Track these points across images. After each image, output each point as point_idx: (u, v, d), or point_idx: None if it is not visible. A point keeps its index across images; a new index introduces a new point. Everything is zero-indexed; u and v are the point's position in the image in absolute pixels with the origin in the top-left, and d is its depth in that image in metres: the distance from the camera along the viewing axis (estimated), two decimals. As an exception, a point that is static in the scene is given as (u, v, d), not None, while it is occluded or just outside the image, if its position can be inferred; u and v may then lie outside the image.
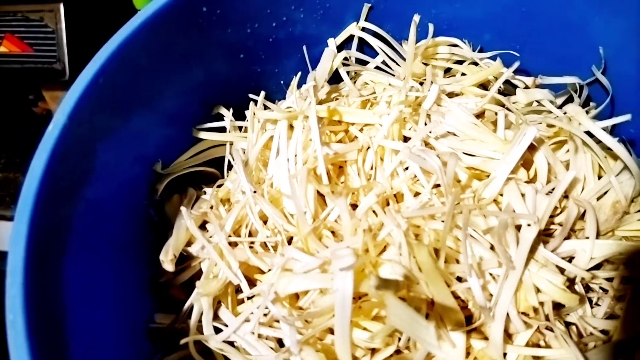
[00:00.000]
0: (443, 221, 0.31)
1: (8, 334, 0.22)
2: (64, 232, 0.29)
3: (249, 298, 0.34)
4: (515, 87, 0.41)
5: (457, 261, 0.31)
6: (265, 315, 0.33)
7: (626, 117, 0.34)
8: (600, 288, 0.34)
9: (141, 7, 0.58)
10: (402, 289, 0.29)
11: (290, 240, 0.35)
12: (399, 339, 0.30)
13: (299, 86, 0.42)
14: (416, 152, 0.33)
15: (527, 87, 0.40)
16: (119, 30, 0.31)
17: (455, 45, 0.44)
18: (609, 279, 0.34)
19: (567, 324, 0.33)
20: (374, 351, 0.31)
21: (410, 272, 0.29)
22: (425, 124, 0.37)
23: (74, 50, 0.55)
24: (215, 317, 0.34)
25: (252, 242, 0.35)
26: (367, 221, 0.33)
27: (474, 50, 0.43)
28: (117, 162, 0.33)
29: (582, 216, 0.34)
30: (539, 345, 0.31)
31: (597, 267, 0.35)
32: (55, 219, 0.28)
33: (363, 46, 0.46)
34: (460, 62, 0.44)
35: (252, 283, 0.35)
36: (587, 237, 0.33)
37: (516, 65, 0.38)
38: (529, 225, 0.29)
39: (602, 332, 0.33)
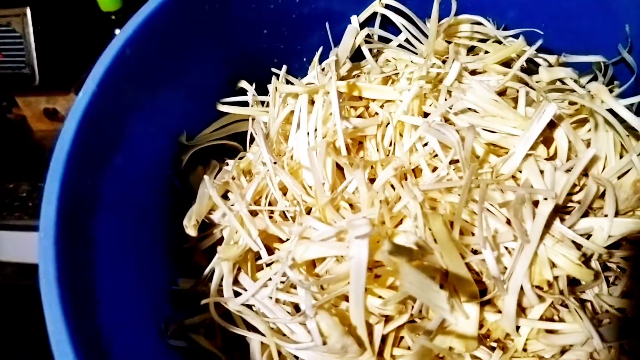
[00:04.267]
0: (460, 195, 0.31)
1: (40, 283, 0.24)
2: (92, 195, 0.30)
3: (267, 265, 0.35)
4: (538, 65, 0.41)
5: (473, 234, 0.32)
6: (282, 282, 0.34)
7: (651, 95, 0.34)
8: (618, 267, 0.34)
9: (107, 9, 0.58)
10: (416, 258, 0.29)
11: (308, 212, 0.36)
12: (412, 308, 0.31)
13: (321, 62, 0.43)
14: (435, 126, 0.33)
15: (550, 66, 0.40)
16: (146, 3, 0.32)
17: (479, 24, 0.44)
18: (627, 258, 0.34)
19: (583, 302, 0.33)
20: (387, 319, 0.32)
21: (424, 242, 0.29)
22: (446, 100, 0.37)
23: (42, 55, 0.54)
24: (235, 282, 0.35)
25: (272, 212, 0.35)
26: (384, 193, 0.34)
27: (497, 29, 0.43)
28: (144, 131, 0.35)
29: (601, 195, 0.34)
30: (552, 320, 0.31)
31: (616, 246, 0.35)
32: (84, 182, 0.29)
33: (386, 24, 0.46)
34: (483, 41, 0.44)
35: (270, 251, 0.36)
36: (606, 215, 0.33)
37: (539, 43, 0.38)
38: (545, 199, 0.30)
39: (618, 310, 0.33)
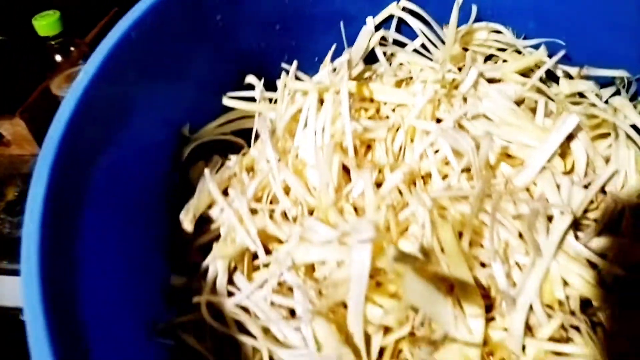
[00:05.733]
0: (471, 204, 0.29)
1: (21, 280, 0.22)
2: (84, 183, 0.29)
3: (264, 266, 0.34)
4: (557, 78, 0.40)
5: (482, 246, 0.30)
6: (280, 285, 0.32)
7: (676, 112, 0.32)
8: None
9: (45, 34, 0.57)
10: (420, 267, 0.28)
11: (311, 213, 0.34)
12: (414, 319, 0.29)
13: (333, 62, 0.42)
14: (449, 131, 0.31)
15: (571, 78, 0.38)
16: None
17: (498, 32, 0.42)
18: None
19: (594, 325, 0.32)
20: (386, 330, 0.31)
21: (431, 250, 0.28)
22: (461, 107, 0.36)
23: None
24: (230, 282, 0.33)
25: (272, 211, 0.34)
26: (391, 198, 0.32)
27: (517, 38, 0.41)
28: (145, 121, 0.33)
29: (619, 214, 0.32)
30: (560, 342, 0.30)
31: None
32: (77, 169, 0.28)
33: (401, 28, 0.45)
34: (502, 50, 0.43)
35: (269, 252, 0.34)
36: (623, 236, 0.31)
37: (561, 54, 0.37)
38: (562, 213, 0.28)
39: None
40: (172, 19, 0.32)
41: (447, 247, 0.28)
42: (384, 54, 0.44)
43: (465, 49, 0.42)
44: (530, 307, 0.29)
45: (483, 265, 0.30)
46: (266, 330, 0.31)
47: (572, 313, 0.29)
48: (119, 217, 0.32)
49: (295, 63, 0.39)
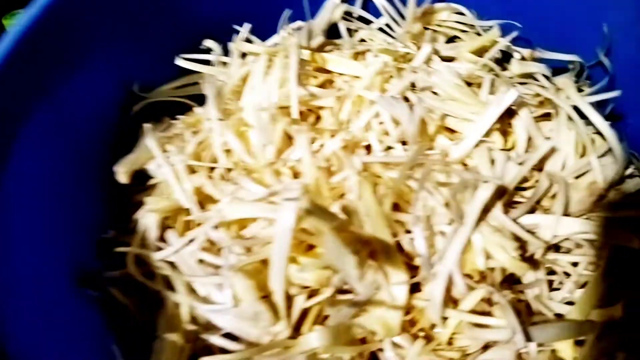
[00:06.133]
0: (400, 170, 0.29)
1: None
2: (19, 118, 0.29)
3: (198, 224, 0.34)
4: (516, 61, 0.40)
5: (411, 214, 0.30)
6: (212, 243, 0.32)
7: (616, 93, 0.32)
8: (564, 272, 0.32)
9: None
10: (343, 228, 0.28)
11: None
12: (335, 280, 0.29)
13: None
14: (388, 99, 0.31)
15: (524, 60, 0.38)
16: None
17: (461, 14, 0.42)
18: (575, 264, 0.32)
19: (523, 303, 0.31)
20: (313, 294, 0.30)
21: (353, 209, 0.28)
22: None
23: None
24: (164, 240, 0.33)
25: (212, 171, 0.34)
26: (328, 163, 0.32)
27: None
28: (90, 73, 0.33)
29: (555, 195, 0.32)
30: (483, 315, 0.30)
31: (567, 252, 0.33)
32: (12, 101, 0.28)
33: (369, 6, 0.45)
34: (465, 32, 0.43)
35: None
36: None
37: (514, 34, 0.36)
38: (484, 182, 0.28)
39: (556, 315, 0.31)
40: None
41: (367, 207, 0.27)
42: (349, 31, 0.44)
43: (427, 29, 0.42)
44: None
45: (409, 232, 0.30)
46: (192, 287, 0.31)
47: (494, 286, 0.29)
48: (56, 161, 0.32)
49: (247, 25, 0.39)
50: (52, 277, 0.31)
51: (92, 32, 0.33)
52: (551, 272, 0.32)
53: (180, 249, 0.31)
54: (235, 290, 0.28)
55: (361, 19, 0.45)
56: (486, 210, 0.28)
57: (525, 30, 0.40)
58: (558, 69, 0.39)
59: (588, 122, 0.34)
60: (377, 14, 0.44)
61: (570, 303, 0.31)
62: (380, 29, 0.45)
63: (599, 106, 0.36)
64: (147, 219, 0.32)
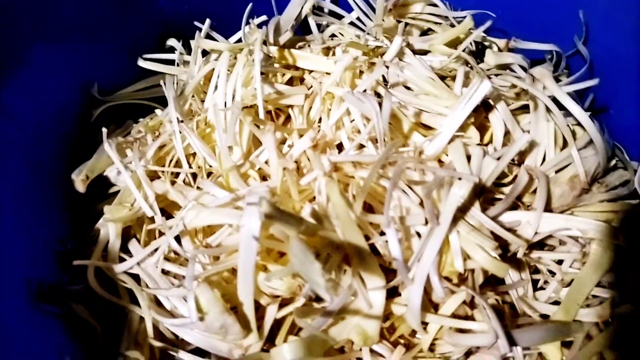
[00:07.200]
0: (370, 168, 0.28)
1: None
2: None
3: (161, 233, 0.32)
4: (492, 52, 0.38)
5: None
6: (176, 253, 0.30)
7: (594, 82, 0.31)
8: (548, 270, 0.31)
9: None
10: (311, 232, 0.26)
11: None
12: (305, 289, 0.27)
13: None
14: (357, 95, 0.30)
15: (500, 51, 0.37)
16: None
17: (435, 6, 0.41)
18: (560, 262, 0.31)
19: (507, 305, 0.30)
20: (285, 303, 0.29)
21: (325, 215, 0.26)
22: (384, 77, 0.34)
23: None
24: (127, 250, 0.31)
25: (176, 176, 0.32)
26: (296, 164, 0.30)
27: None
28: (46, 72, 0.32)
29: (535, 190, 0.31)
30: (465, 319, 0.28)
31: (551, 249, 0.32)
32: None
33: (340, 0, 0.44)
34: (438, 25, 0.41)
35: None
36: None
37: (488, 24, 0.35)
38: (459, 179, 0.26)
39: (542, 316, 0.30)
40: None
41: (337, 209, 0.26)
42: (319, 25, 0.42)
43: (400, 22, 0.40)
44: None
45: (384, 234, 0.28)
46: (158, 300, 0.30)
47: (474, 288, 0.28)
48: (13, 169, 0.30)
49: (208, 21, 0.37)
50: (10, 293, 0.29)
51: (35, 30, 0.31)
52: (535, 270, 0.31)
53: (142, 260, 0.29)
54: (200, 302, 0.27)
55: (332, 13, 0.44)
56: (463, 208, 0.27)
57: (501, 21, 0.38)
58: (536, 60, 0.38)
59: (567, 114, 0.33)
60: (348, 8, 0.43)
61: (556, 303, 0.30)
62: (352, 24, 0.43)
63: (578, 97, 0.35)
64: (107, 229, 0.30)
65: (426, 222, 0.27)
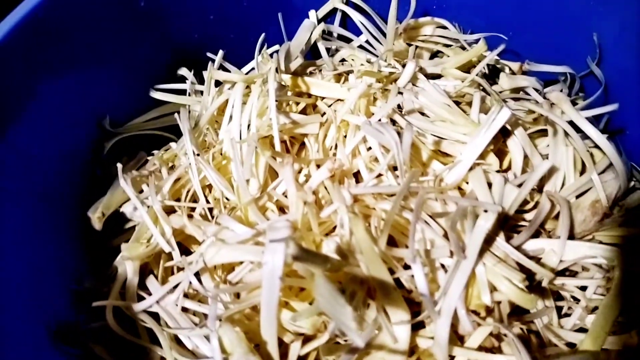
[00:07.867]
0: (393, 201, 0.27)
1: None
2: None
3: (181, 269, 0.31)
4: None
5: (407, 247, 0.28)
6: (196, 290, 0.30)
7: (613, 107, 0.31)
8: (572, 297, 0.31)
9: None
10: (337, 269, 0.26)
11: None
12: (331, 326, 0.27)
13: (271, 56, 0.40)
14: (375, 125, 0.30)
15: (513, 74, 0.37)
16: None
17: (444, 28, 0.41)
18: (582, 288, 0.30)
19: (531, 333, 0.30)
20: (308, 340, 0.28)
21: (348, 250, 0.26)
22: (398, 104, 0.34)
23: None
24: (145, 287, 0.31)
25: (193, 210, 0.32)
26: (317, 196, 0.30)
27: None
28: (58, 107, 0.31)
29: (557, 216, 0.31)
30: (492, 352, 0.28)
31: (573, 275, 0.31)
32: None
33: (349, 24, 0.44)
34: (449, 47, 0.41)
35: (190, 254, 0.32)
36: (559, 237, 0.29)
37: (501, 48, 0.35)
38: (485, 211, 0.26)
39: (568, 345, 0.29)
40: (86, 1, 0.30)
41: (361, 245, 0.25)
42: (329, 49, 0.42)
43: (411, 45, 0.40)
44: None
45: (408, 268, 0.28)
46: (178, 339, 0.29)
47: (502, 320, 0.27)
48: (25, 212, 0.30)
49: (221, 52, 0.37)
50: (27, 334, 0.28)
51: (45, 65, 0.30)
52: (558, 296, 0.31)
53: (161, 298, 0.29)
54: (224, 342, 0.26)
55: (341, 37, 0.43)
56: (488, 239, 0.27)
57: (511, 42, 0.38)
58: (549, 81, 0.38)
59: (584, 136, 0.32)
60: (356, 31, 0.43)
61: (581, 330, 0.29)
62: (362, 47, 0.43)
63: (594, 118, 0.34)
64: (125, 266, 0.30)
65: (451, 255, 0.27)
